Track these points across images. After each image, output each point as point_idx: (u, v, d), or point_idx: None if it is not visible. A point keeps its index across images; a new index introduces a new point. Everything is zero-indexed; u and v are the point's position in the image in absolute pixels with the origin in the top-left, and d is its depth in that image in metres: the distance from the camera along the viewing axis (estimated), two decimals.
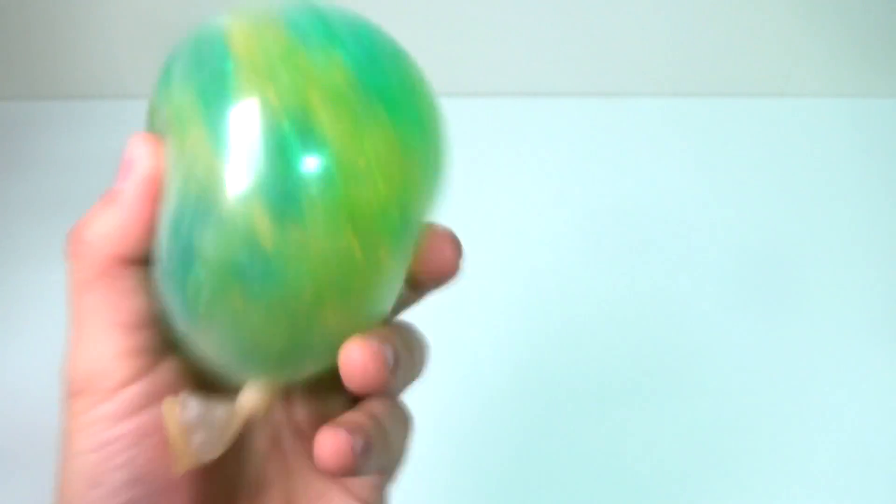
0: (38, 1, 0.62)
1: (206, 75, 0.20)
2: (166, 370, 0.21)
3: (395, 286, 0.22)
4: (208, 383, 0.22)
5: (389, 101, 0.21)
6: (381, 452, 0.21)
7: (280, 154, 0.19)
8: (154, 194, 0.20)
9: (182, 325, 0.21)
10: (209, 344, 0.21)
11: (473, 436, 0.48)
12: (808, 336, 0.53)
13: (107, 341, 0.21)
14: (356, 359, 0.20)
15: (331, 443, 0.20)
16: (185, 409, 0.20)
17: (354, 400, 0.23)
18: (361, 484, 0.23)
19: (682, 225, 0.59)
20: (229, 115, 0.20)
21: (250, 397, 0.21)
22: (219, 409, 0.21)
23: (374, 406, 0.22)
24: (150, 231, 0.20)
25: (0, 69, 0.66)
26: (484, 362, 0.50)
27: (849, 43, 0.65)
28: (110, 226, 0.21)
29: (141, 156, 0.20)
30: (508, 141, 0.64)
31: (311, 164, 0.19)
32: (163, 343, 0.21)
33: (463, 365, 0.49)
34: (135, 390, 0.21)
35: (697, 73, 0.67)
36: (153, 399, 0.21)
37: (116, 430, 0.20)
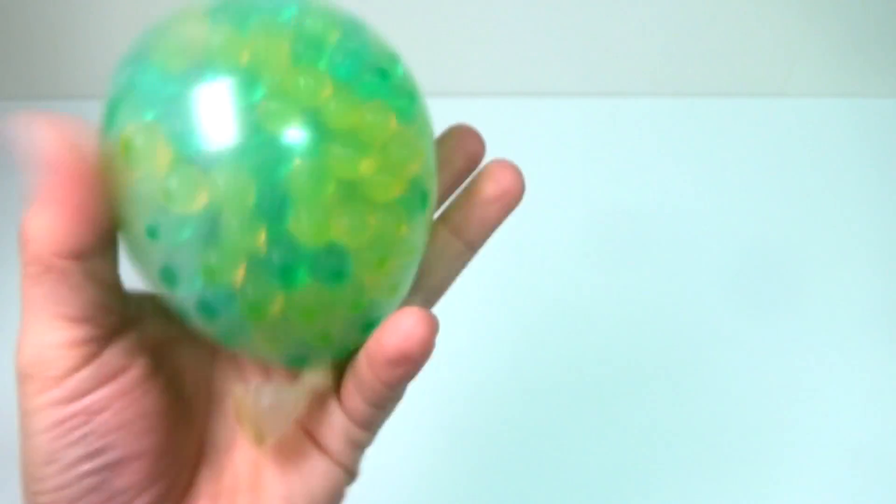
0: (38, 1, 0.62)
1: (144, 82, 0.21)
2: (114, 353, 0.22)
3: (419, 254, 0.22)
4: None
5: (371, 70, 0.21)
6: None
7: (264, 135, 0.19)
8: (87, 187, 0.20)
9: (204, 325, 0.21)
10: (256, 343, 0.21)
11: (474, 437, 0.48)
12: (808, 335, 0.53)
13: (51, 332, 0.21)
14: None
15: (421, 318, 0.20)
16: (257, 397, 0.22)
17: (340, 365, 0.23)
18: (338, 440, 0.23)
19: (681, 225, 0.59)
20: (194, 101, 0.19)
21: (313, 376, 0.22)
22: (287, 392, 0.22)
23: None
24: (92, 222, 0.20)
25: (0, 69, 0.66)
26: (483, 361, 0.50)
27: (849, 43, 0.65)
28: (47, 223, 0.21)
29: (55, 148, 0.20)
30: (508, 141, 0.64)
31: (296, 135, 0.19)
32: (110, 328, 0.22)
33: (463, 366, 0.49)
34: (82, 376, 0.21)
35: (697, 73, 0.67)
36: (102, 381, 0.21)
37: (67, 411, 0.21)
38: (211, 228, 0.19)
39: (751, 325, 0.53)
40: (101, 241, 0.21)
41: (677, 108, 0.67)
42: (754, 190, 0.61)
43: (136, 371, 0.22)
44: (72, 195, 0.20)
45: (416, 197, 0.21)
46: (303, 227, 0.19)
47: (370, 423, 0.23)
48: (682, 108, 0.67)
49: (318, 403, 0.23)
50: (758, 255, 0.57)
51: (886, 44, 0.65)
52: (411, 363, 0.21)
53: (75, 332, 0.21)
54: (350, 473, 0.24)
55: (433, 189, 0.22)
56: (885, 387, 0.50)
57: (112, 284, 0.22)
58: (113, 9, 0.62)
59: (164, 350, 0.24)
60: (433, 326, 0.20)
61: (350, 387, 0.22)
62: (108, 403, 0.21)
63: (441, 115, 0.24)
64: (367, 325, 0.21)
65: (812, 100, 0.67)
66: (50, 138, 0.21)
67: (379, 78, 0.21)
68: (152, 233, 0.20)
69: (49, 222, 0.21)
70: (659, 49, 0.66)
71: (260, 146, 0.19)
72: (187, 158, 0.19)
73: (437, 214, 0.25)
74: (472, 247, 0.25)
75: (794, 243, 0.58)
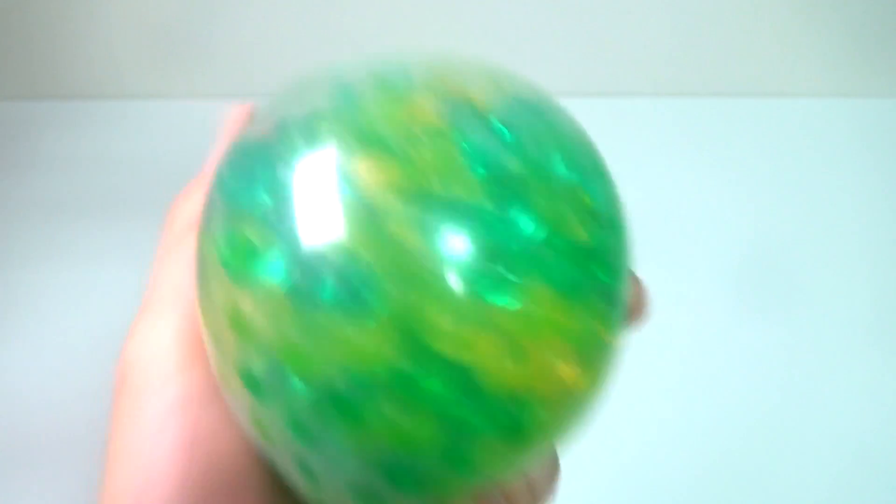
0: (38, 1, 0.62)
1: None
2: None
3: None
4: None
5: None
6: None
7: None
8: None
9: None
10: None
11: None
12: (808, 334, 0.53)
13: (177, 313, 0.17)
14: None
15: None
16: None
17: None
18: None
19: (681, 224, 0.59)
20: None
21: None
22: None
23: None
24: None
25: (0, 69, 0.66)
26: None
27: (849, 43, 0.65)
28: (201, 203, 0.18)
29: (234, 118, 0.18)
30: None
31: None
32: None
33: None
34: (194, 374, 0.17)
35: (697, 73, 0.67)
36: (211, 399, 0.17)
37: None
38: None
39: (751, 324, 0.53)
40: None
41: (677, 108, 0.67)
42: (754, 189, 0.61)
43: None
44: None
45: None
46: None
47: None
48: (682, 108, 0.67)
49: None
50: (757, 254, 0.57)
51: (886, 44, 0.65)
52: None
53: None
54: None
55: None
56: (886, 386, 0.50)
57: None
58: (113, 9, 0.62)
59: None
60: None
61: None
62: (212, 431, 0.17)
63: None
64: None
65: (812, 100, 0.67)
66: (231, 111, 0.18)
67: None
68: None
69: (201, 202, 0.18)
70: (659, 49, 0.66)
71: None
72: None
73: None
74: None
75: (794, 242, 0.58)
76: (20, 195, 0.59)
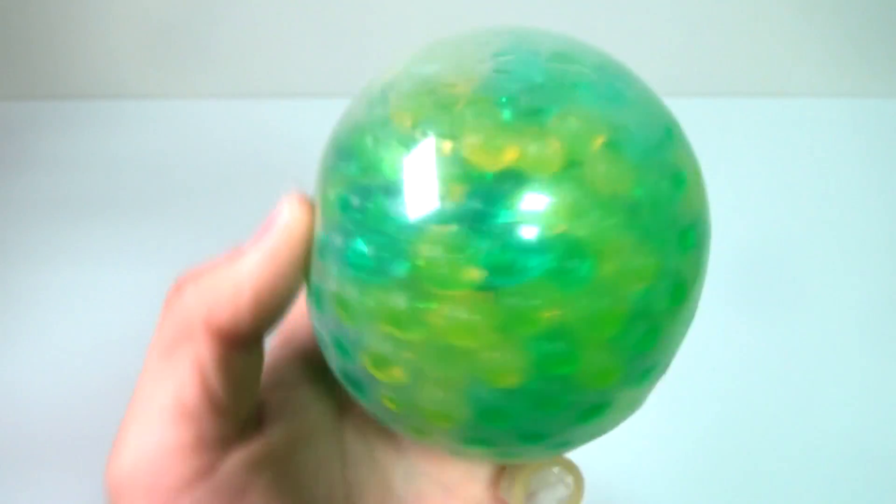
0: (38, 1, 0.62)
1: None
2: (233, 468, 0.17)
3: None
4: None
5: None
6: None
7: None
8: (289, 261, 0.17)
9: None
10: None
11: None
12: (808, 335, 0.53)
13: (164, 430, 0.16)
14: None
15: None
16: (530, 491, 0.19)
17: None
18: (469, 484, 0.21)
19: None
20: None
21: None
22: (561, 487, 0.20)
23: None
24: (266, 307, 0.17)
25: (0, 69, 0.66)
26: None
27: (849, 43, 0.65)
28: (218, 289, 0.17)
29: (285, 211, 0.17)
30: None
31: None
32: (233, 433, 0.17)
33: None
34: (196, 496, 0.16)
35: (697, 73, 0.67)
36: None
37: None
38: None
39: (750, 325, 0.53)
40: (267, 325, 0.17)
41: (677, 109, 0.66)
42: (754, 190, 0.61)
43: (256, 493, 0.17)
44: (269, 267, 0.17)
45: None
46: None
47: None
48: (682, 108, 0.66)
49: None
50: (757, 255, 0.57)
51: (886, 44, 0.65)
52: None
53: (193, 433, 0.17)
54: None
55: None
56: (886, 387, 0.50)
57: (251, 381, 0.18)
58: (113, 9, 0.62)
59: (291, 454, 0.19)
60: None
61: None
62: None
63: None
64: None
65: (812, 100, 0.67)
66: (285, 202, 0.17)
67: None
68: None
69: (220, 288, 0.17)
70: (659, 49, 0.65)
71: None
72: None
73: None
74: None
75: (793, 243, 0.58)
76: (20, 195, 0.59)
